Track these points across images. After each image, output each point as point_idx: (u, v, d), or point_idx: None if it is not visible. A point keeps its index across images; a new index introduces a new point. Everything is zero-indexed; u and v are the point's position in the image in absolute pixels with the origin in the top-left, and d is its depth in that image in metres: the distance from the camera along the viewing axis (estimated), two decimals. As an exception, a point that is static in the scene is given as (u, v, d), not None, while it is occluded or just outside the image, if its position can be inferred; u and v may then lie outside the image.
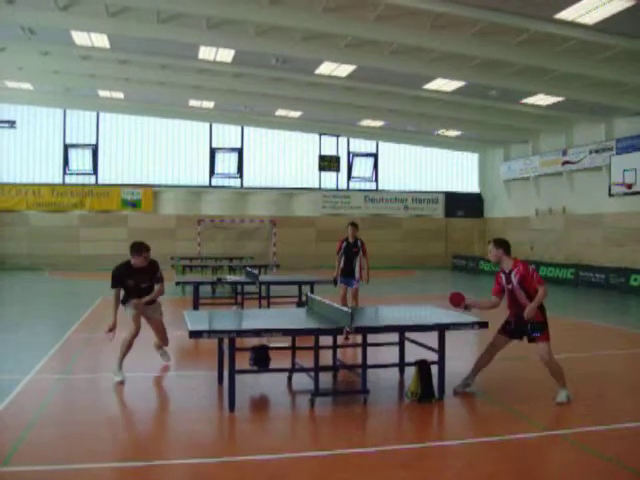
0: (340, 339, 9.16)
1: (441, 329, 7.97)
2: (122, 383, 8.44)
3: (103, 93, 27.82)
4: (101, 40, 19.23)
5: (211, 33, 18.03)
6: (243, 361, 8.12)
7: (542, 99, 23.65)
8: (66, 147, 31.13)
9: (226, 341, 7.62)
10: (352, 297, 12.99)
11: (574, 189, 27.84)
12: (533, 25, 16.15)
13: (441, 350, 7.96)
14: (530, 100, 23.90)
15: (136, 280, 8.88)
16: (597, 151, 25.70)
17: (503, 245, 7.93)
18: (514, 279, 7.67)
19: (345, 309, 7.64)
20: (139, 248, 8.85)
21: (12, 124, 28.32)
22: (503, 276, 7.84)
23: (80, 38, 19.02)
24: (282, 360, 8.73)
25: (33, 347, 11.14)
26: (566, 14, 15.26)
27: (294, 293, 14.49)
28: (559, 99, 23.27)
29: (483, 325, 8.02)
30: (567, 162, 27.55)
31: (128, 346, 8.65)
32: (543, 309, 7.70)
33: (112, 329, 8.52)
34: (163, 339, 9.51)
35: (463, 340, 11.41)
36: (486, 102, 24.63)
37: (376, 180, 34.97)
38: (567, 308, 17.37)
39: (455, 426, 7.20)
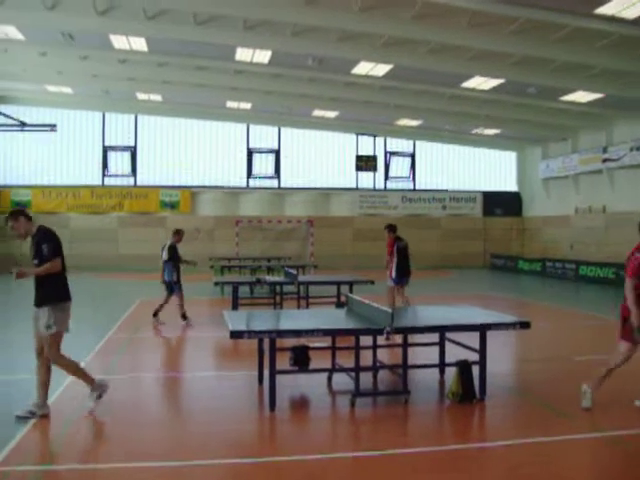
0: (380, 339, 9.13)
1: (482, 329, 7.89)
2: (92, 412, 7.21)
3: (141, 96, 28.20)
4: (139, 43, 19.49)
5: (248, 34, 18.11)
6: (283, 361, 8.12)
7: (582, 96, 23.27)
8: (105, 149, 31.56)
9: (266, 341, 7.63)
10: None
11: (614, 187, 27.36)
12: (572, 21, 15.92)
13: (482, 350, 7.87)
14: (569, 97, 23.52)
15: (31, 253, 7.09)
16: (638, 148, 25.25)
17: None
18: None
19: (386, 309, 7.57)
20: (11, 213, 7.07)
21: (53, 127, 28.70)
22: None
23: (118, 42, 19.29)
24: (322, 360, 8.72)
25: (75, 348, 11.26)
26: (606, 9, 15.03)
27: (332, 293, 14.48)
28: (599, 96, 22.87)
29: (525, 325, 7.92)
30: (607, 160, 27.08)
31: (73, 364, 7.32)
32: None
33: (20, 275, 6.84)
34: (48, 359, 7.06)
35: (503, 340, 11.28)
36: (524, 100, 24.35)
37: (413, 179, 34.77)
38: (607, 308, 17.04)
39: (497, 427, 7.12)
